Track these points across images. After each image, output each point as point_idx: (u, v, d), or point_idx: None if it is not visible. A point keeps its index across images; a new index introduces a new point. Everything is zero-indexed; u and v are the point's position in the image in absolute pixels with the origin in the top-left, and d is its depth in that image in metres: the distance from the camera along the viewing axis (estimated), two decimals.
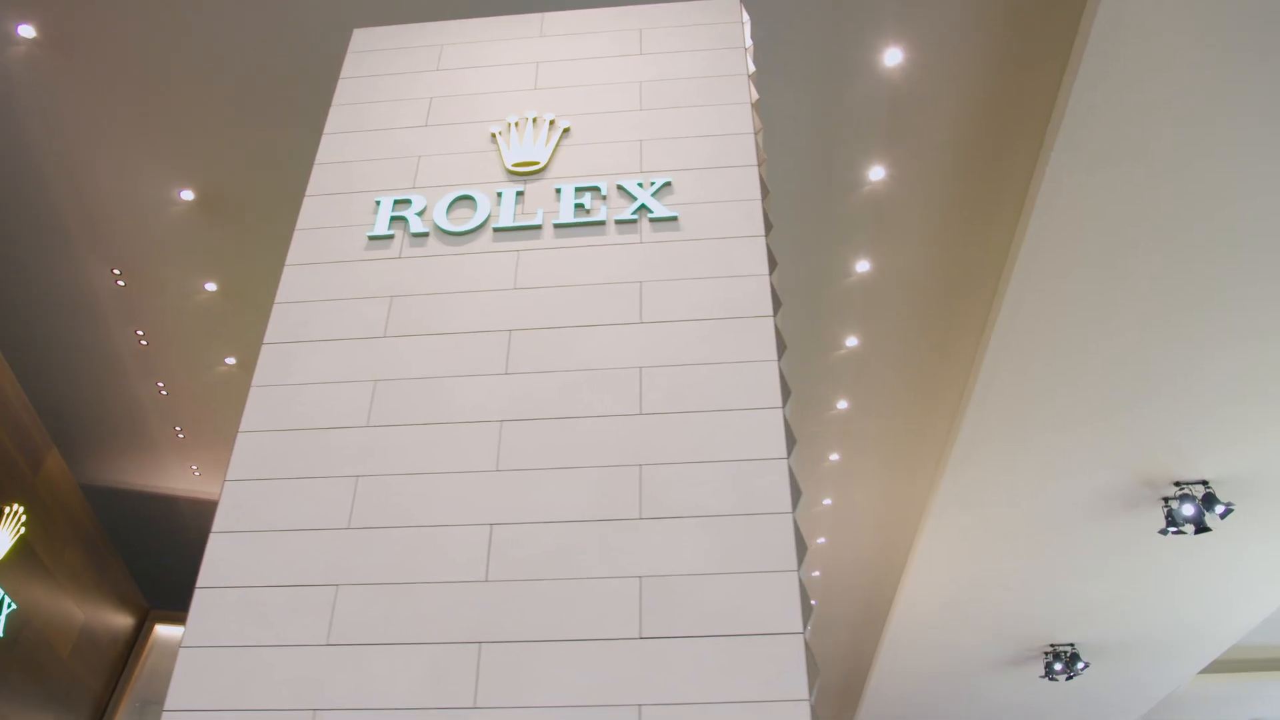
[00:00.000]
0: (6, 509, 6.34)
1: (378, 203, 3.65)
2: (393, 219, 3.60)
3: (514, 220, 3.54)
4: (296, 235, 3.64)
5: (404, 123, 3.96)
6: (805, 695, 2.46)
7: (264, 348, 3.32)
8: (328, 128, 3.99)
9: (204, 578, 2.83)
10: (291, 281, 3.49)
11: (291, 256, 3.57)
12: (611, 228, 3.49)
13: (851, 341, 8.04)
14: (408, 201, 3.64)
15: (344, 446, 3.04)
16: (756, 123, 3.80)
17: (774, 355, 3.08)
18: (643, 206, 3.50)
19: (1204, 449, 8.18)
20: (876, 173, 6.60)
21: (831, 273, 7.38)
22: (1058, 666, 11.40)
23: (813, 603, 13.12)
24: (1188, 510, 8.37)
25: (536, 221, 3.51)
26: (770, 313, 3.19)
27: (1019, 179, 6.36)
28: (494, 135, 3.83)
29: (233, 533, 2.91)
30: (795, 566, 2.66)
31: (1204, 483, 8.52)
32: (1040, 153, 5.81)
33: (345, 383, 3.19)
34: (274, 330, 3.36)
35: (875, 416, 8.94)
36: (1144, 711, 13.34)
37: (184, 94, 6.22)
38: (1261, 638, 12.19)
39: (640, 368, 3.11)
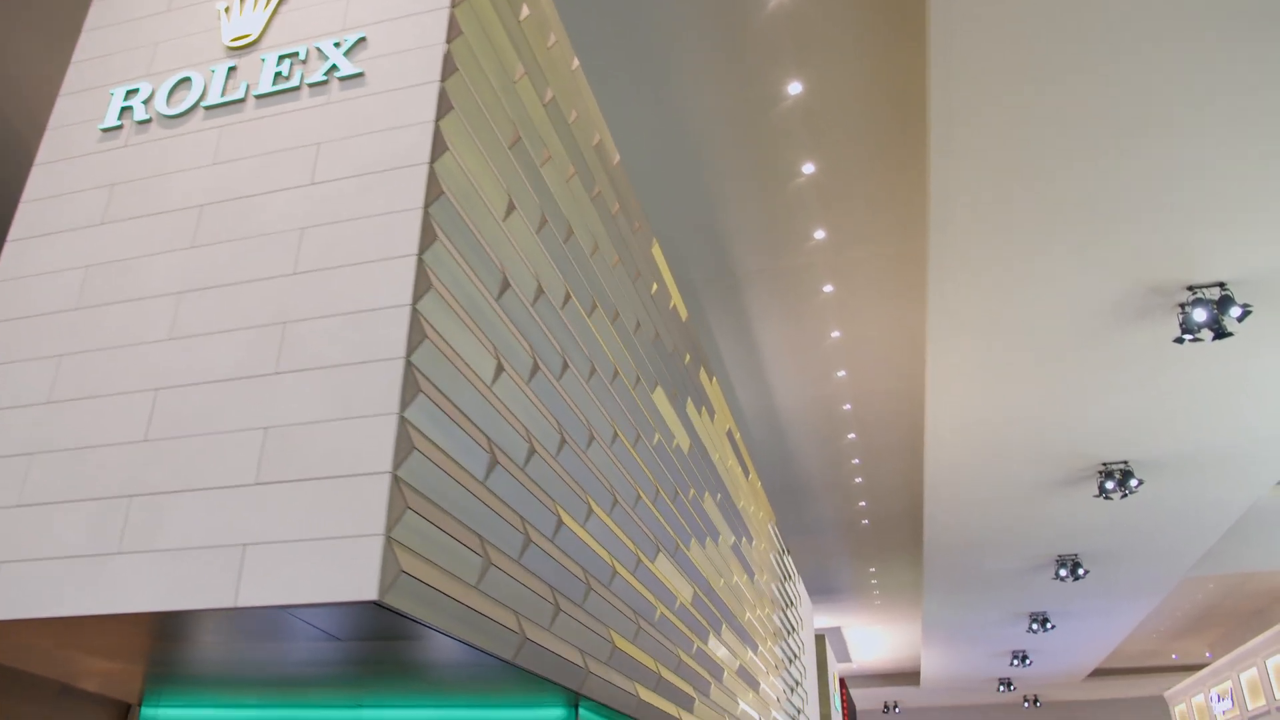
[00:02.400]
0: None
1: (111, 94, 3.80)
2: (122, 109, 3.75)
3: (221, 97, 3.61)
4: (46, 135, 3.86)
5: (149, 10, 4.04)
6: (381, 531, 2.61)
7: (6, 245, 3.61)
8: (86, 24, 4.13)
9: None
10: (35, 180, 3.74)
11: (39, 156, 3.80)
12: (305, 92, 3.51)
13: (808, 168, 7.69)
14: (136, 90, 3.77)
15: (54, 330, 3.32)
16: None
17: (420, 203, 3.10)
18: (333, 67, 3.50)
19: (1217, 249, 7.47)
20: None
21: (765, 99, 7.01)
22: (1109, 485, 10.99)
23: (852, 434, 13.06)
24: (1200, 315, 7.73)
25: (239, 96, 3.58)
26: (426, 160, 3.18)
27: None
28: (220, 12, 3.87)
29: None
30: (397, 409, 2.77)
31: (1220, 284, 7.82)
32: None
33: (63, 271, 3.45)
34: (15, 229, 3.63)
35: (857, 244, 8.59)
36: (1229, 525, 12.72)
37: None
38: None
39: (302, 229, 3.20)
